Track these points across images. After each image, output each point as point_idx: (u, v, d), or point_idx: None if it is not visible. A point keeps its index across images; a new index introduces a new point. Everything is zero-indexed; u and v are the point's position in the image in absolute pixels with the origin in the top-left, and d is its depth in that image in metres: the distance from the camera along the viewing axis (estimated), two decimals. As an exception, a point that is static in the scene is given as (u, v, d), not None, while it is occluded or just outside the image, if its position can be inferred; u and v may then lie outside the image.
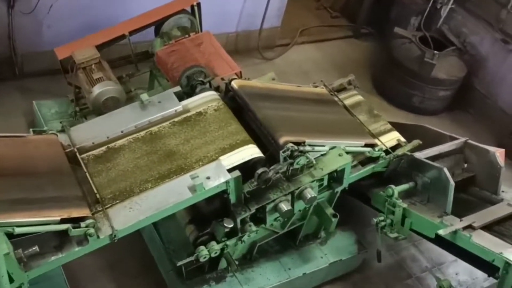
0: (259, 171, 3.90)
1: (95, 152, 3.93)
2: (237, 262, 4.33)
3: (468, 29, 7.47)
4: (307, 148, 4.09)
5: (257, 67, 7.48)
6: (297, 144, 4.05)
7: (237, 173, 3.80)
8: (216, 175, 3.77)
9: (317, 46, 8.34)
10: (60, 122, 4.47)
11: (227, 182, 3.76)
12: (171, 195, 3.65)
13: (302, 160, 4.00)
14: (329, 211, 4.52)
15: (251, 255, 4.56)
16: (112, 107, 4.74)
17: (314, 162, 4.07)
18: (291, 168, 4.03)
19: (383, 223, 4.49)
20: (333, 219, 4.48)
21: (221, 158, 3.90)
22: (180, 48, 5.17)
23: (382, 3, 8.39)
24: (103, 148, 3.95)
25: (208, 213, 4.15)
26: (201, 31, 5.61)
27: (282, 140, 4.04)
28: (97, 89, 4.80)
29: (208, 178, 3.75)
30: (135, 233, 4.72)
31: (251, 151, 4.00)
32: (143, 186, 3.70)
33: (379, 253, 4.67)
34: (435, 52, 7.01)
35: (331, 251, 4.86)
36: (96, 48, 5.01)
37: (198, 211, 4.21)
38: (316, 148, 4.19)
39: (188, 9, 5.59)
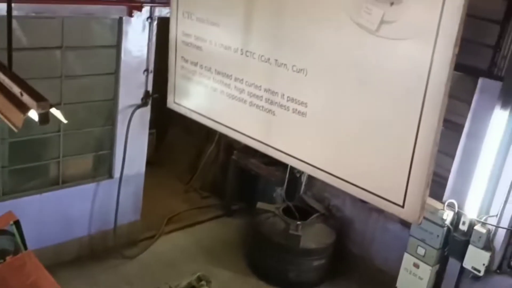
0: None
1: None
2: None
3: (330, 193, 7.47)
4: None
5: (118, 269, 6.85)
6: None
7: None
8: None
9: (186, 232, 7.95)
10: None
11: None
12: None
13: None
14: None
15: None
16: None
17: None
18: None
19: None
20: None
21: None
22: (-7, 277, 4.49)
23: (246, 177, 8.35)
24: None
25: None
26: (26, 249, 5.00)
27: None
28: None
29: None
30: None
31: None
32: None
33: None
34: (298, 223, 6.83)
35: None
36: None
37: None
38: None
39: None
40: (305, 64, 3.80)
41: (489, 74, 5.96)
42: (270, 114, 4.09)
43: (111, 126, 6.84)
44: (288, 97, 3.95)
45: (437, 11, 3.05)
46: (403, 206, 3.43)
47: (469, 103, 6.06)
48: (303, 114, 3.89)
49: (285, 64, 3.91)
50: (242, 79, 4.24)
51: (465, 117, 6.10)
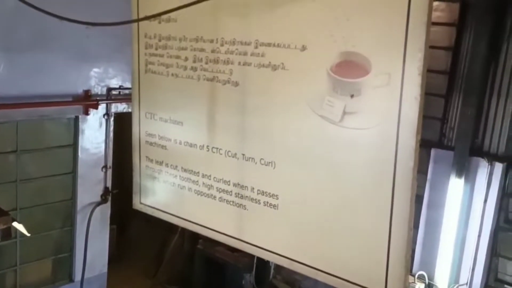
0: None
1: None
2: None
3: (300, 275, 7.35)
4: None
5: None
6: None
7: None
8: None
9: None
10: None
11: None
12: None
13: None
14: None
15: None
16: None
17: None
18: None
19: None
20: None
21: None
22: None
23: (213, 266, 8.14)
24: None
25: None
26: None
27: None
28: None
29: None
30: None
31: None
32: None
33: None
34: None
35: None
36: None
37: None
38: None
39: None
40: (273, 157, 3.84)
41: (440, 144, 6.22)
42: (241, 208, 4.07)
43: (70, 227, 6.62)
44: (258, 190, 3.95)
45: (396, 102, 3.19)
46: (385, 294, 3.41)
47: (426, 174, 6.24)
48: (274, 206, 3.88)
49: (252, 158, 3.94)
50: (210, 175, 4.23)
51: (423, 188, 6.26)
